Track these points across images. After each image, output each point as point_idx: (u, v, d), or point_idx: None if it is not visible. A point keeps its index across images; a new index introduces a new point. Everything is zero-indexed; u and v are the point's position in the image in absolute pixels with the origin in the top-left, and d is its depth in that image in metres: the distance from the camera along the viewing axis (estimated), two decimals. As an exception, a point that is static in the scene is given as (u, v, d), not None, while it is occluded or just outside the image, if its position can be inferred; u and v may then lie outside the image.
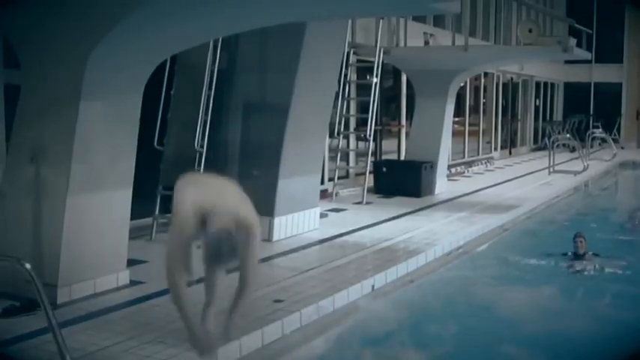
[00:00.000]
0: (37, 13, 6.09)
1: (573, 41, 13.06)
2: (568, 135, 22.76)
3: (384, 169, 13.34)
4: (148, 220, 8.77)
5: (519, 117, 24.40)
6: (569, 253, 8.88)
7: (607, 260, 8.87)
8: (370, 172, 12.78)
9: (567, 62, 24.15)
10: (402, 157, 15.17)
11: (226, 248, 4.45)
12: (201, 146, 8.42)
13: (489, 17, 20.66)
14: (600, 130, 24.52)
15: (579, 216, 13.37)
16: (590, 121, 26.54)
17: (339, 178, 12.89)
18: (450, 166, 16.07)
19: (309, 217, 9.43)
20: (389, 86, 16.05)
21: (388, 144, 15.74)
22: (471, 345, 6.15)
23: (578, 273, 8.50)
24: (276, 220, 8.80)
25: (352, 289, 6.88)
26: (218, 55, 8.69)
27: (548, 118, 26.82)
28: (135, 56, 6.30)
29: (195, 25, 6.23)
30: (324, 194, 11.86)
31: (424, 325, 6.57)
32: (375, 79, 12.25)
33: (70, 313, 5.78)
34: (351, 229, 9.72)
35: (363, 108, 12.98)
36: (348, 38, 11.72)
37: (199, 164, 8.49)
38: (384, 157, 15.04)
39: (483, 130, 20.97)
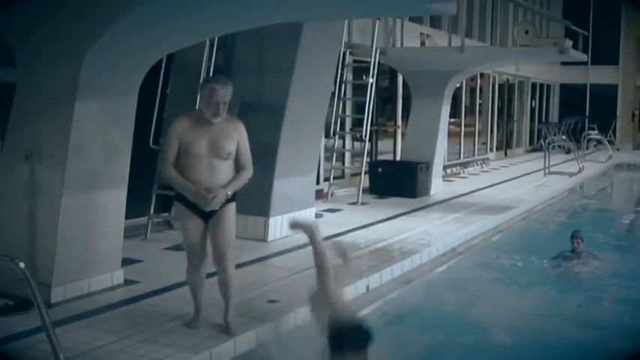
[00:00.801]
0: (34, 13, 6.08)
1: (569, 43, 13.08)
2: (564, 136, 22.80)
3: (380, 170, 13.34)
4: (143, 220, 8.78)
5: (515, 118, 24.44)
6: (567, 253, 8.88)
7: (603, 260, 8.88)
8: (366, 173, 12.79)
9: (563, 64, 24.22)
10: (398, 158, 15.17)
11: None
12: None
13: (486, 18, 20.68)
14: (596, 131, 24.58)
15: (574, 217, 13.39)
16: (586, 123, 26.61)
17: (334, 178, 12.89)
18: (445, 167, 16.09)
19: (305, 218, 9.42)
20: (385, 87, 16.06)
21: (384, 144, 15.75)
22: (466, 347, 6.15)
23: (574, 272, 8.51)
24: (272, 220, 8.80)
25: (346, 290, 6.87)
26: (214, 54, 8.70)
27: (544, 119, 26.87)
28: (131, 56, 6.29)
29: (192, 24, 6.23)
30: (320, 194, 11.86)
31: (419, 326, 6.59)
32: (371, 80, 12.25)
33: (64, 312, 5.78)
34: (346, 229, 9.72)
35: (359, 108, 12.98)
36: (345, 38, 11.72)
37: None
38: (379, 157, 15.04)
39: (479, 131, 21.00)
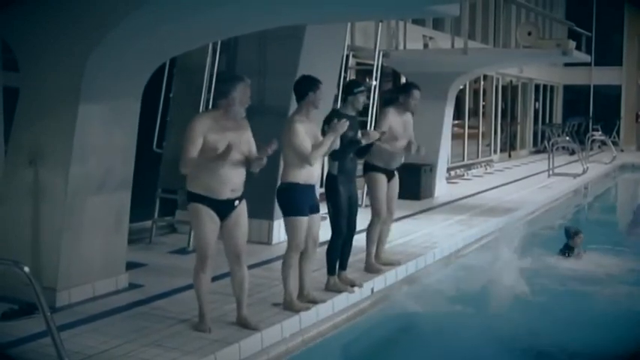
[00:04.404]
0: (36, 16, 6.08)
1: (572, 44, 13.07)
2: (567, 138, 22.76)
3: (384, 172, 13.28)
4: (147, 223, 8.78)
5: (519, 120, 24.40)
6: (565, 251, 8.86)
7: (604, 258, 8.85)
8: (369, 175, 12.74)
9: (567, 65, 24.20)
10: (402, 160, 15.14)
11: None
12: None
13: (488, 20, 20.67)
14: (600, 132, 24.54)
15: (578, 218, 13.37)
16: (590, 124, 26.56)
17: (338, 181, 12.83)
18: (449, 169, 16.07)
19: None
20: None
21: (387, 147, 15.69)
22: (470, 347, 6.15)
23: (577, 272, 8.46)
24: (276, 223, 8.78)
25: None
26: (217, 58, 8.70)
27: (547, 120, 26.83)
28: (134, 59, 6.30)
29: (194, 27, 6.23)
30: (324, 197, 11.82)
31: (423, 327, 6.59)
32: (374, 82, 12.24)
33: (69, 317, 5.78)
34: (350, 232, 9.68)
35: (362, 111, 12.95)
36: (348, 41, 11.72)
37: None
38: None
39: (483, 133, 20.97)
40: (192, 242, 8.25)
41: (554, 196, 14.61)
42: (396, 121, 7.50)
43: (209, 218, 5.38)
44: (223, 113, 5.43)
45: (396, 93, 7.95)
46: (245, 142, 5.51)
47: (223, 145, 5.27)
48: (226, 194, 5.39)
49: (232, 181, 5.39)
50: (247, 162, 5.50)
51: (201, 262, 5.46)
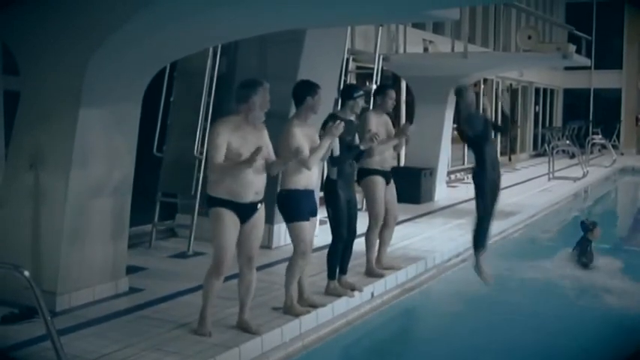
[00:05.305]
0: (36, 20, 6.09)
1: (572, 48, 13.10)
2: (568, 141, 22.76)
3: (384, 176, 13.29)
4: (148, 227, 8.77)
5: (519, 123, 24.41)
6: (583, 245, 8.81)
7: (603, 259, 8.86)
8: (370, 179, 12.73)
9: (567, 68, 24.20)
10: (402, 164, 15.16)
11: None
12: (201, 153, 8.43)
13: (489, 24, 20.69)
14: (600, 136, 24.53)
15: (579, 222, 13.32)
16: (590, 128, 26.56)
17: (338, 184, 12.83)
18: (449, 173, 16.07)
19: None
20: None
21: (388, 150, 15.68)
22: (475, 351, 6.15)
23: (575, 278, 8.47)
24: (276, 227, 8.78)
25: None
26: (217, 62, 8.71)
27: (547, 124, 26.83)
28: (134, 62, 6.30)
29: (195, 31, 6.24)
30: (323, 201, 11.81)
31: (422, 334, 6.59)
32: (374, 86, 12.24)
33: (69, 321, 5.78)
34: (350, 235, 9.68)
35: (361, 115, 12.95)
36: (348, 45, 11.71)
37: (199, 171, 8.49)
38: (383, 163, 14.98)
39: (483, 137, 20.92)
40: (193, 246, 8.30)
41: (555, 199, 14.60)
42: (378, 123, 7.51)
43: (232, 223, 5.40)
44: (244, 118, 5.47)
45: (373, 96, 8.12)
46: (265, 145, 5.55)
47: (247, 150, 5.31)
48: (250, 197, 5.44)
49: (255, 184, 5.45)
50: (267, 165, 5.57)
51: (217, 267, 5.45)
